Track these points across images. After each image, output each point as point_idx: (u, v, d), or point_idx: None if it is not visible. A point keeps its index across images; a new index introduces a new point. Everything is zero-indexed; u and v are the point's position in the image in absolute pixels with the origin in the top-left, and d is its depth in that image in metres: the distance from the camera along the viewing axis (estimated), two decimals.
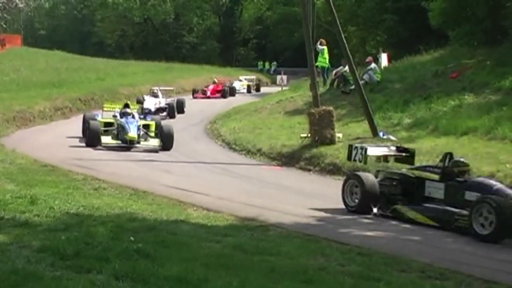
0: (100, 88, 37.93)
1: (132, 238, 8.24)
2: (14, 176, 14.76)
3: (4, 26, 54.67)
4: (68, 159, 18.67)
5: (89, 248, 7.57)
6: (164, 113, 30.88)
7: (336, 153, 19.38)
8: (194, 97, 41.32)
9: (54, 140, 23.39)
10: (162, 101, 32.06)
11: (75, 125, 28.33)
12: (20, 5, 48.04)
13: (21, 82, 35.83)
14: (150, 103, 30.68)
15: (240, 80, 49.87)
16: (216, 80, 45.09)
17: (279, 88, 42.25)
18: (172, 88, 36.77)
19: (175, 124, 28.14)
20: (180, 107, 32.67)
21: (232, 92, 44.09)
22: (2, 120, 26.01)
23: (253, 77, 52.87)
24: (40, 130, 26.46)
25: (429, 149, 17.69)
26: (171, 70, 53.13)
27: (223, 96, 42.44)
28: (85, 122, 23.24)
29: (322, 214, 12.68)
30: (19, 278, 6.17)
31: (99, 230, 8.80)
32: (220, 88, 43.58)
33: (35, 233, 8.42)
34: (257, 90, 48.99)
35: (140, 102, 30.50)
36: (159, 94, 32.79)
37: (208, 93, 42.16)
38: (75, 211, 10.31)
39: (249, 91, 47.56)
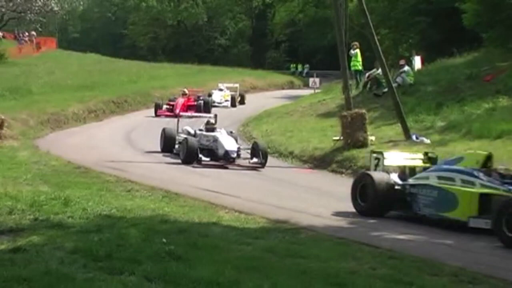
0: (132, 90, 38.17)
1: (164, 240, 8.27)
2: (48, 177, 14.93)
3: (40, 29, 55.30)
4: (101, 161, 18.81)
5: (121, 250, 7.62)
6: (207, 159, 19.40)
7: (368, 156, 19.27)
8: (156, 115, 31.61)
9: (87, 142, 23.58)
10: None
11: (107, 128, 28.59)
12: (55, 8, 48.48)
13: (55, 84, 36.17)
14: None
15: (221, 90, 39.30)
16: (186, 91, 33.80)
17: (311, 91, 42.17)
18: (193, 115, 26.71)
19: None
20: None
21: (207, 107, 32.25)
22: (36, 122, 26.30)
23: (237, 85, 41.37)
24: (74, 132, 26.69)
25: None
26: (203, 73, 53.25)
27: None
28: None
29: (354, 217, 12.64)
30: (52, 279, 6.24)
31: (131, 232, 8.86)
32: (191, 102, 33.11)
33: (69, 234, 8.49)
34: (242, 102, 39.25)
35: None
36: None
37: (177, 110, 30.53)
38: (107, 213, 10.39)
39: (233, 104, 37.87)
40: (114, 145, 23.36)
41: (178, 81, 44.95)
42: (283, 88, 55.02)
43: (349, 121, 20.65)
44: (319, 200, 14.70)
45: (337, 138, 21.12)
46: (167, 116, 29.79)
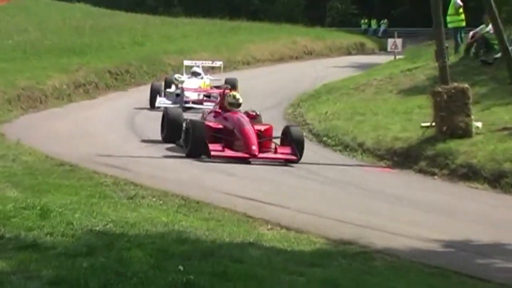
0: (137, 56, 38.35)
1: (180, 268, 8.29)
2: (19, 178, 15.03)
3: None
4: (93, 155, 18.92)
5: (121, 281, 7.65)
6: None
7: (472, 149, 19.17)
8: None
9: (74, 129, 23.74)
10: None
11: (102, 108, 28.73)
12: None
13: (28, 47, 36.44)
14: None
15: (196, 74, 31.21)
16: (237, 96, 21.93)
17: (390, 57, 42.02)
18: None
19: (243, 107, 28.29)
20: None
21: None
22: (1, 100, 26.54)
23: (219, 63, 35.54)
24: (55, 114, 26.89)
25: None
26: (238, 31, 53.28)
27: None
28: None
29: (452, 237, 12.57)
30: None
31: (135, 255, 8.89)
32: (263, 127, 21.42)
33: (47, 258, 8.54)
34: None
35: None
36: None
37: (253, 147, 19.78)
38: (102, 229, 10.44)
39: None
40: (112, 133, 23.50)
41: (202, 43, 45.04)
42: (350, 54, 55.02)
43: (445, 100, 20.52)
44: (401, 212, 14.67)
45: (428, 124, 21.00)
46: (228, 158, 19.98)
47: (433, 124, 20.80)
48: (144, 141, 22.37)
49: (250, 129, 20.52)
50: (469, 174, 18.38)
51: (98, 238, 9.83)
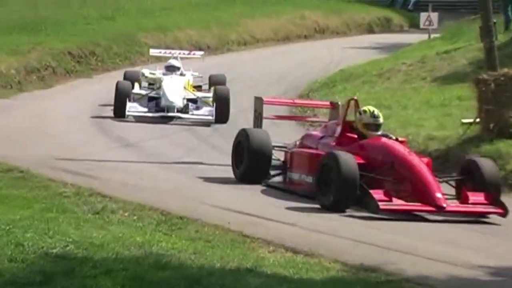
0: (106, 34, 38.34)
1: None
2: None
3: None
4: (51, 158, 18.92)
5: None
6: None
7: None
8: None
9: (25, 126, 23.72)
10: None
11: (61, 100, 28.70)
12: None
13: None
14: None
15: (174, 68, 28.74)
16: (375, 112, 18.16)
17: (423, 36, 42.08)
18: None
19: (240, 101, 28.33)
20: None
21: None
22: None
23: (200, 53, 34.53)
24: (1, 106, 26.85)
25: None
26: (232, 3, 53.31)
27: None
28: None
29: (500, 262, 12.54)
30: None
31: (103, 284, 8.88)
32: None
33: None
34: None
35: None
36: None
37: (438, 194, 16.12)
38: (60, 251, 10.41)
39: (221, 117, 26.48)
40: (74, 131, 23.52)
41: (188, 18, 45.04)
42: (372, 31, 55.04)
43: (492, 89, 20.51)
44: (436, 231, 14.75)
45: (470, 120, 21.00)
46: (401, 212, 16.63)
47: (477, 120, 20.81)
48: (113, 139, 22.35)
49: (423, 166, 16.77)
50: None
51: (55, 263, 9.81)
